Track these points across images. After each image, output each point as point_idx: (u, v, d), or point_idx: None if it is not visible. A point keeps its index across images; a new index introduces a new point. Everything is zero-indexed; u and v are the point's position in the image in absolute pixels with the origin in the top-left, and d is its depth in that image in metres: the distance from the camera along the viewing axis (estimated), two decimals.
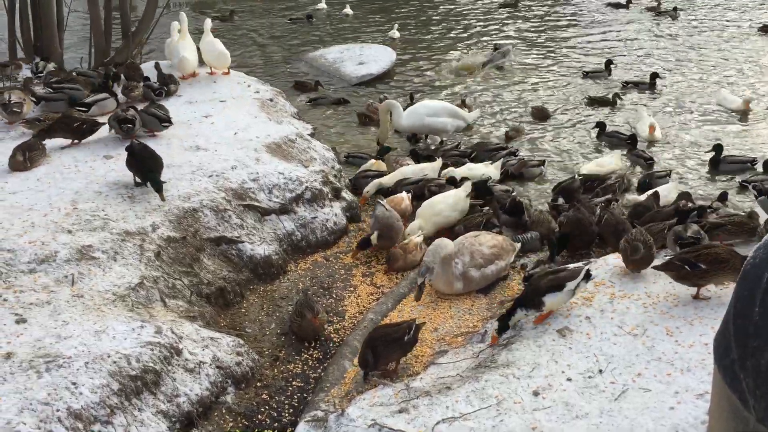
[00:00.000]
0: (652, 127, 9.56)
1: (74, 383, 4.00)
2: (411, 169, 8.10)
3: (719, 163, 8.76)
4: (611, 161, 8.56)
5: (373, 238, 6.42)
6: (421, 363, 4.94)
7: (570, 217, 6.40)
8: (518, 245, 6.23)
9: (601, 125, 9.94)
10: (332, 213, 7.00)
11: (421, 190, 7.51)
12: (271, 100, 9.03)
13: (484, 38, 15.68)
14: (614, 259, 5.26)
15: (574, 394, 3.95)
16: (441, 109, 9.55)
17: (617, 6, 18.32)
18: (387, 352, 4.63)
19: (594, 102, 11.30)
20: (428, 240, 6.33)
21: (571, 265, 4.81)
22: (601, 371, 4.10)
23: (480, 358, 4.58)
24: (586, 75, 12.67)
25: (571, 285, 4.55)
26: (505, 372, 4.22)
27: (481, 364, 4.47)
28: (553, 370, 4.18)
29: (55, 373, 4.03)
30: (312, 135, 8.60)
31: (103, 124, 7.17)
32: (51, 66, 10.45)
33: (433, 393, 4.18)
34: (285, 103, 9.44)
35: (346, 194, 7.53)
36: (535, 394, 3.99)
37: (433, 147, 9.64)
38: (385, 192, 7.58)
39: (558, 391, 3.99)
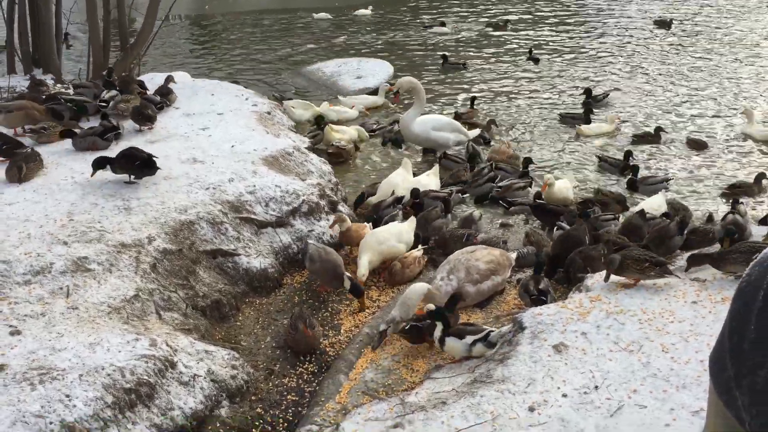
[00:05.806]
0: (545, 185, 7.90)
1: (68, 396, 3.98)
2: (399, 179, 8.00)
3: (636, 183, 8.53)
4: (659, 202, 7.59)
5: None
6: (417, 377, 4.93)
7: (561, 235, 6.42)
8: (513, 256, 6.23)
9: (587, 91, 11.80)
10: (328, 226, 7.00)
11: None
12: (268, 113, 9.06)
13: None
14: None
15: (569, 410, 3.94)
16: (446, 125, 9.61)
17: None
18: None
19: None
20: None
21: (485, 326, 5.07)
22: (596, 387, 4.09)
23: (476, 373, 4.57)
24: None
25: (468, 339, 4.81)
26: (501, 387, 4.21)
27: (477, 379, 4.46)
28: (548, 385, 4.17)
29: (48, 385, 4.00)
30: (309, 148, 8.62)
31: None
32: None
33: (429, 408, 4.17)
34: (282, 117, 9.47)
35: (343, 207, 7.53)
36: (531, 409, 3.97)
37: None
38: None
39: (554, 406, 3.98)
